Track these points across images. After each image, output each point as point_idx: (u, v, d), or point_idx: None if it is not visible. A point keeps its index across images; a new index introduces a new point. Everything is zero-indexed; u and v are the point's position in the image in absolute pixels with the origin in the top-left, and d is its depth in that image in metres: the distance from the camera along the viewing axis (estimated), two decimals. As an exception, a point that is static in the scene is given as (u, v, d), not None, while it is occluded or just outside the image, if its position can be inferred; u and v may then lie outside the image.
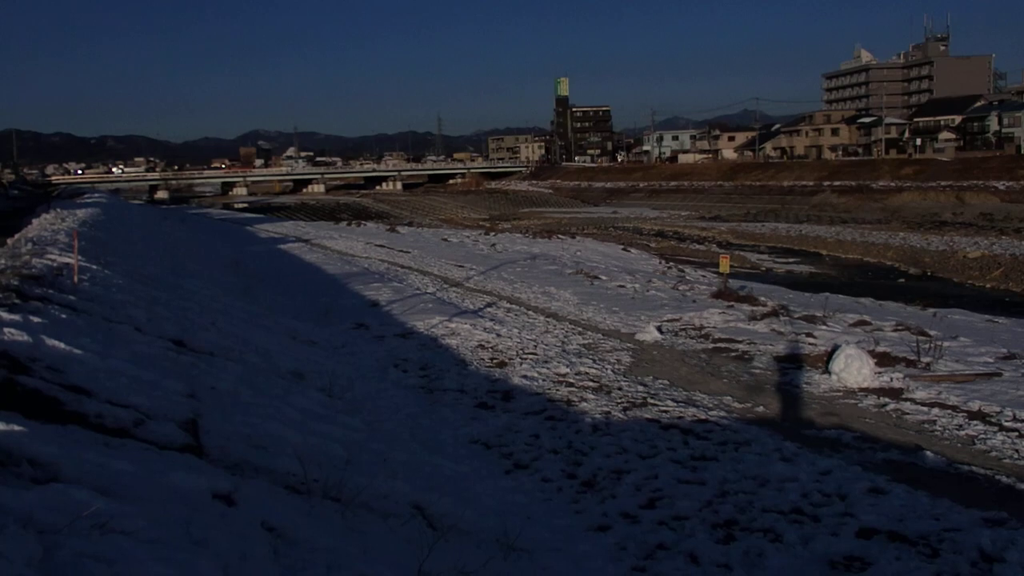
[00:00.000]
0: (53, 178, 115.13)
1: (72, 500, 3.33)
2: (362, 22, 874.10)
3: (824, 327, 14.74)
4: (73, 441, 4.35)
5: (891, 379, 10.64)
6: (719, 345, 13.72)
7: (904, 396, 10.03)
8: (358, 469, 5.84)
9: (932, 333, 13.59)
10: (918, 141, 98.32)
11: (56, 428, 4.54)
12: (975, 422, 8.87)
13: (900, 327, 14.71)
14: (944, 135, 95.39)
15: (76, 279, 10.55)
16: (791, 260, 41.08)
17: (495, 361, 12.35)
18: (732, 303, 18.09)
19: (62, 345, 6.62)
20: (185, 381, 7.38)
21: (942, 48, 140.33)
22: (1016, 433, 8.45)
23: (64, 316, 8.02)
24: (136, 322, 9.31)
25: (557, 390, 10.62)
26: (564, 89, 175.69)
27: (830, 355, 11.39)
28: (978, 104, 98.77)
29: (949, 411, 9.32)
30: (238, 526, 3.79)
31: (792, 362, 12.12)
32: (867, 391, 10.35)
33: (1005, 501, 6.73)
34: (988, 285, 31.85)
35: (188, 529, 3.47)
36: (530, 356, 12.70)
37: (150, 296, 11.94)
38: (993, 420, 8.90)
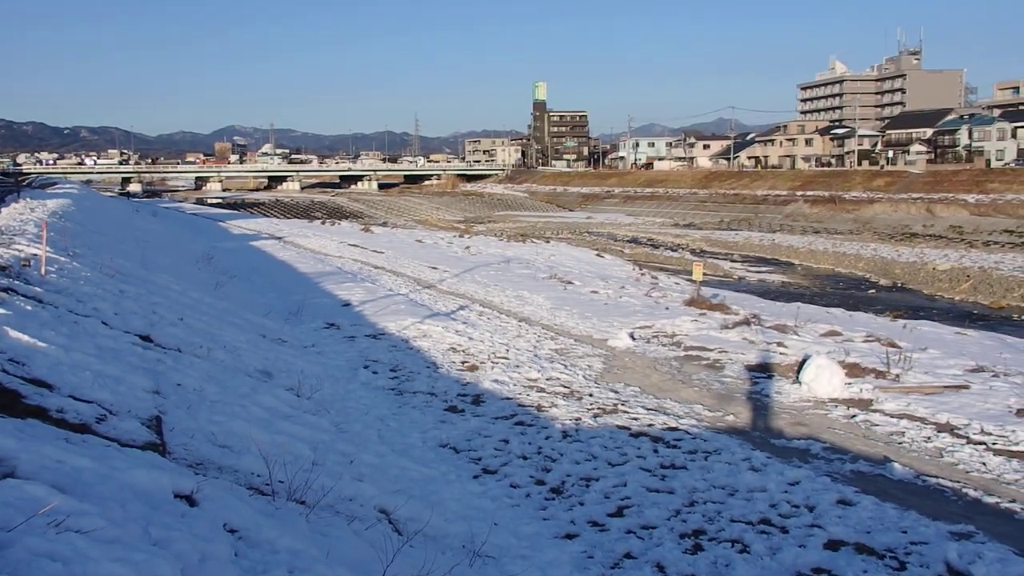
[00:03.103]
0: (24, 167, 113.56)
1: (28, 496, 3.24)
2: (342, 22, 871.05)
3: (795, 337, 14.82)
4: (32, 436, 4.24)
5: (861, 390, 10.70)
6: (691, 353, 13.74)
7: (873, 407, 10.09)
8: (324, 470, 5.77)
9: (902, 344, 13.69)
10: (890, 153, 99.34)
11: (16, 422, 4.43)
12: (943, 434, 8.93)
13: (870, 338, 14.81)
14: (916, 148, 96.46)
15: (43, 270, 10.38)
16: (764, 269, 41.30)
17: (466, 364, 12.28)
18: (704, 311, 18.15)
19: (26, 337, 6.50)
20: (151, 377, 7.27)
21: (915, 62, 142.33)
22: (983, 446, 8.52)
23: (29, 308, 7.88)
24: (103, 316, 9.16)
25: (528, 395, 10.58)
26: (542, 93, 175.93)
27: (801, 365, 11.45)
28: (949, 117, 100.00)
29: (918, 423, 9.38)
30: (199, 527, 3.70)
31: (763, 371, 12.16)
32: (837, 402, 10.40)
33: (972, 514, 6.77)
34: (957, 297, 32.21)
35: (147, 529, 3.39)
36: (502, 360, 12.65)
37: (118, 290, 11.76)
38: (961, 433, 8.96)
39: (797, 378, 11.21)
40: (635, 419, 9.53)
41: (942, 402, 10.06)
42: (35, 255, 11.05)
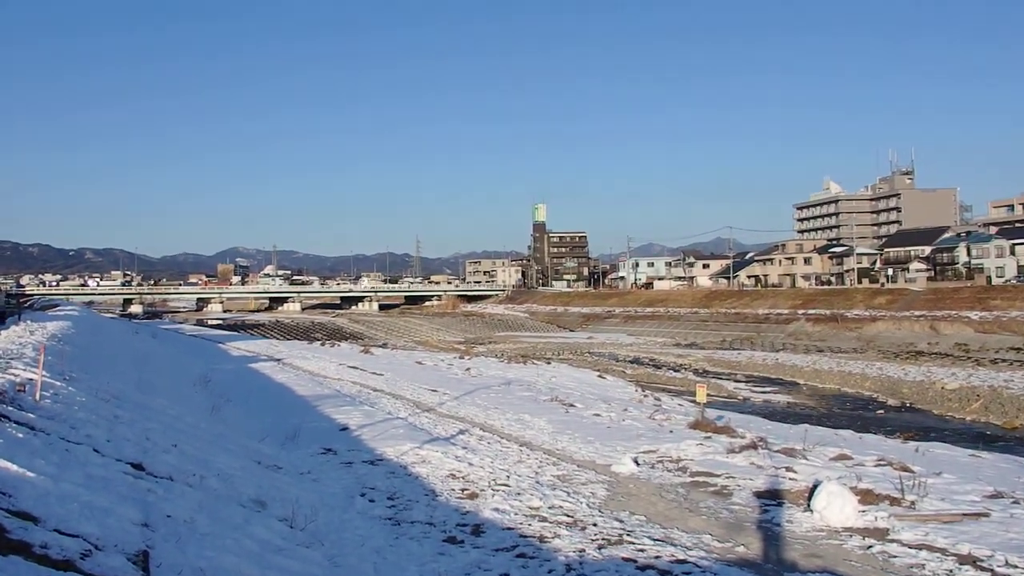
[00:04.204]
0: (27, 289, 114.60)
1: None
2: (343, 148, 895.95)
3: (804, 461, 14.48)
4: (13, 574, 4.04)
5: (876, 518, 10.34)
6: (697, 479, 13.39)
7: (890, 537, 9.72)
8: (317, 612, 5.47)
9: (915, 469, 13.35)
10: (890, 271, 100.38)
11: (-3, 558, 4.22)
12: (966, 567, 8.56)
13: (882, 462, 14.46)
14: (915, 265, 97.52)
15: (38, 396, 10.23)
16: (768, 389, 40.95)
17: (466, 492, 11.93)
18: (710, 434, 17.83)
19: (14, 467, 6.33)
20: (140, 508, 7.01)
21: (908, 181, 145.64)
22: (1008, 580, 8.14)
23: (21, 435, 7.74)
24: (95, 443, 8.97)
25: (530, 524, 10.22)
26: (541, 215, 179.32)
27: (811, 491, 11.11)
28: (946, 235, 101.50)
29: (938, 554, 9.00)
30: None
31: (772, 498, 11.80)
32: (851, 531, 10.03)
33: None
34: (968, 418, 31.69)
35: None
36: (502, 487, 12.31)
37: (113, 415, 11.56)
38: (984, 565, 8.59)
39: (808, 505, 10.85)
40: (641, 551, 9.16)
41: (962, 531, 9.70)
42: (31, 379, 10.92)
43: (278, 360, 40.14)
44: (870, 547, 9.42)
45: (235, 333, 76.24)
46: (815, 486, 11.21)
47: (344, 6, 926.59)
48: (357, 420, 19.12)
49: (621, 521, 10.59)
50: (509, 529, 10.00)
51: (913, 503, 11.02)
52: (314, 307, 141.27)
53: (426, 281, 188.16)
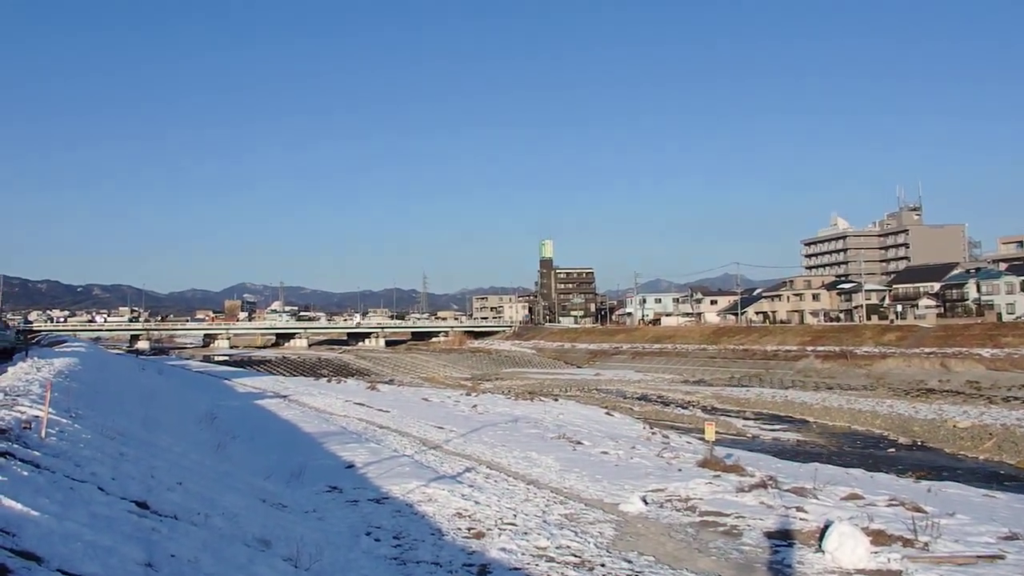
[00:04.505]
0: (35, 325, 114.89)
1: None
2: (351, 184, 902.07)
3: (815, 501, 14.31)
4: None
5: (888, 560, 10.18)
6: (706, 519, 13.23)
7: (903, 579, 9.56)
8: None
9: (928, 509, 13.18)
10: (899, 307, 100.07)
11: (-3, 603, 4.16)
12: (980, 611, 8.41)
13: (894, 502, 14.29)
14: (924, 302, 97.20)
15: (43, 433, 10.20)
16: (777, 427, 40.61)
17: (473, 531, 11.81)
18: (719, 472, 17.66)
19: (19, 506, 6.28)
20: (144, 547, 6.94)
21: (915, 217, 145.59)
22: (1025, 624, 7.99)
23: (26, 473, 7.69)
24: (100, 481, 8.91)
25: (537, 565, 10.09)
26: (548, 251, 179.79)
27: (823, 532, 10.96)
28: (955, 272, 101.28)
29: (951, 597, 8.86)
30: None
31: (783, 539, 11.64)
32: (863, 572, 9.87)
33: None
34: (981, 456, 31.24)
35: None
36: (509, 527, 12.18)
37: (118, 452, 11.50)
38: (999, 609, 8.44)
39: (819, 546, 10.70)
40: (652, 592, 9.03)
41: (976, 574, 9.54)
42: (37, 416, 10.90)
43: (284, 397, 40.05)
44: (883, 589, 9.27)
45: (241, 369, 76.20)
46: (826, 526, 11.07)
47: (349, 51, 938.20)
48: (363, 457, 19.01)
49: (630, 562, 10.45)
50: (516, 569, 9.87)
51: (926, 544, 10.86)
52: (321, 343, 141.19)
53: (433, 317, 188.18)
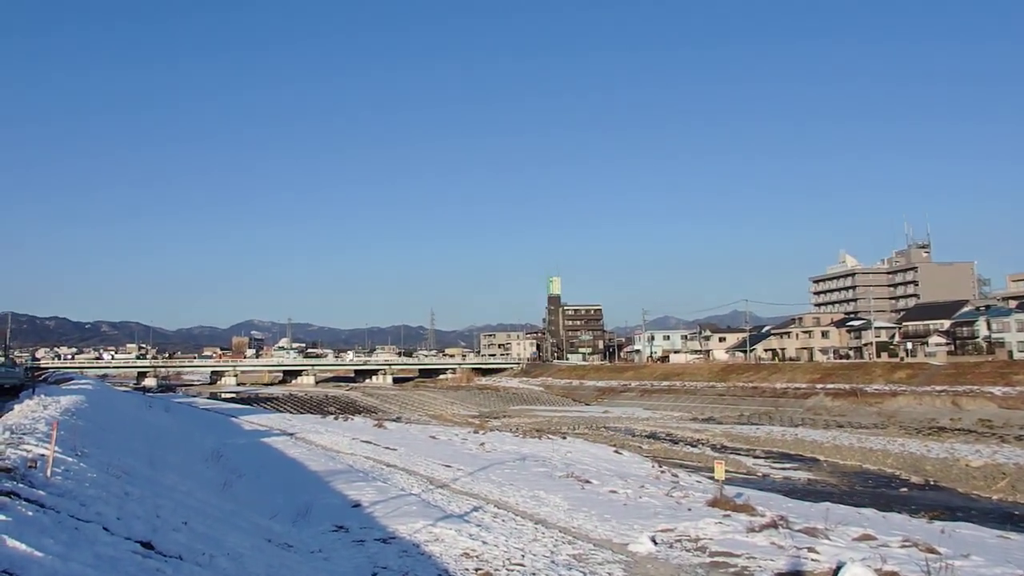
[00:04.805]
0: (42, 362, 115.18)
1: None
2: (358, 222, 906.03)
3: (827, 541, 14.12)
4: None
5: (902, 602, 10.02)
6: (716, 559, 13.06)
7: (918, 623, 9.40)
8: None
9: (942, 550, 12.99)
10: (909, 345, 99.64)
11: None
12: (997, 656, 8.25)
13: (907, 543, 14.09)
14: (934, 339, 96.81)
15: (49, 472, 10.15)
16: (788, 466, 40.24)
17: (480, 572, 11.68)
18: (729, 512, 17.47)
19: (23, 547, 6.24)
20: (148, 589, 6.88)
21: (924, 254, 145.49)
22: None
23: (31, 513, 7.65)
24: (105, 520, 8.85)
25: (546, 606, 9.96)
26: (556, 288, 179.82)
27: (835, 573, 10.82)
28: (965, 309, 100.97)
29: (968, 642, 8.69)
30: None
31: (795, 580, 11.48)
32: (877, 615, 9.71)
33: None
34: (995, 496, 30.83)
35: None
36: (517, 567, 12.04)
37: (124, 491, 11.44)
38: (1016, 654, 8.27)
39: (832, 588, 10.55)
40: (662, 635, 8.88)
41: (992, 617, 9.38)
42: (42, 455, 10.86)
43: (291, 434, 39.89)
44: (898, 633, 9.11)
45: (248, 407, 76.04)
46: (838, 567, 10.92)
47: (347, 87, 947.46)
48: (370, 496, 18.87)
49: (639, 604, 10.31)
50: (524, 611, 9.74)
51: (941, 587, 10.69)
52: (328, 380, 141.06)
53: (440, 354, 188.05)
